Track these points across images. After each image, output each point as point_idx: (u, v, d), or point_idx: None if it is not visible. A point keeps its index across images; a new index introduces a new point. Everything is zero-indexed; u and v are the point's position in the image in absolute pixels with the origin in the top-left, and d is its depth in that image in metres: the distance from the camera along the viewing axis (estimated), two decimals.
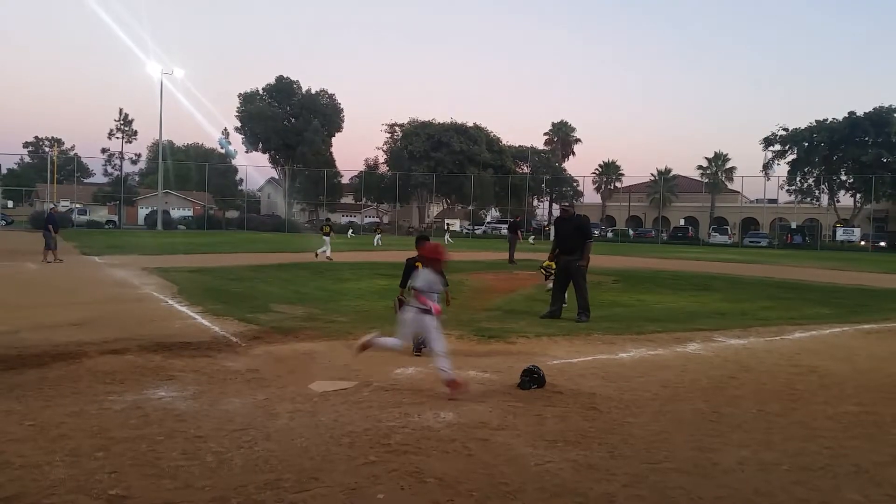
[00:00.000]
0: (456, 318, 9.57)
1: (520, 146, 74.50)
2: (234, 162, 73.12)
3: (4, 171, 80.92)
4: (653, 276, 18.36)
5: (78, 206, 57.22)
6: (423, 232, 7.92)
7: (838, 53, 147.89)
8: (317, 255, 20.88)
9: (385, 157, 68.79)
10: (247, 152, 67.44)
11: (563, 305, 9.98)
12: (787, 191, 62.11)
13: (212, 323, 8.81)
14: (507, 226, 25.86)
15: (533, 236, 47.84)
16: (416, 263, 6.53)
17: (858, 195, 58.39)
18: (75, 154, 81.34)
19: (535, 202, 77.06)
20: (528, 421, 4.79)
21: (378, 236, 37.50)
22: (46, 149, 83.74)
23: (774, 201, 64.30)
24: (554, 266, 10.51)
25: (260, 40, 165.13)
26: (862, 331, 9.65)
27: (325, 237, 21.13)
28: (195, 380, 5.76)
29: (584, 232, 9.98)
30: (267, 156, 67.51)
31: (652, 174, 69.10)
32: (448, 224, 58.08)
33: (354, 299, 11.65)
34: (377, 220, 74.78)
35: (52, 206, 27.09)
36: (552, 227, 26.48)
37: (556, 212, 75.35)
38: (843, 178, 59.11)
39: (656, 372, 6.54)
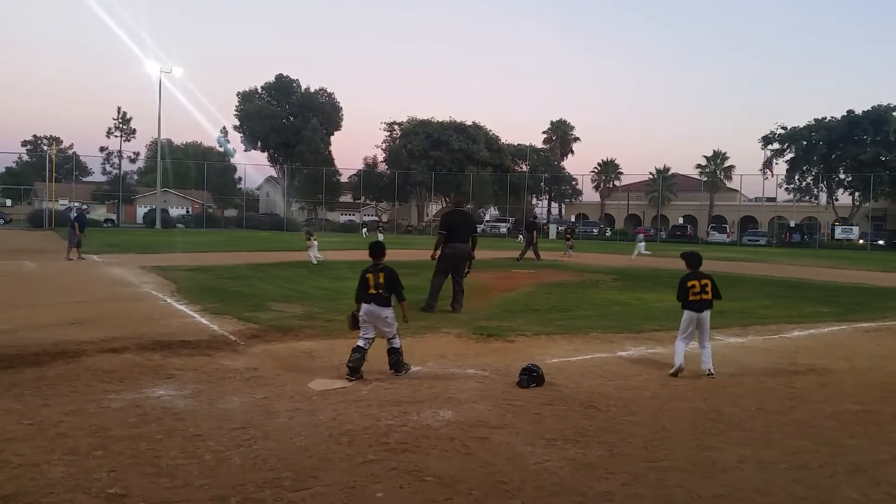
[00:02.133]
0: (455, 317, 9.59)
1: (518, 145, 74.41)
2: (232, 160, 73.17)
3: (3, 169, 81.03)
4: (652, 275, 18.36)
5: (76, 204, 57.15)
6: (379, 241, 7.51)
7: (837, 52, 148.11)
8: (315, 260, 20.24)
9: (384, 155, 68.73)
10: (245, 151, 67.44)
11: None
12: (786, 189, 62.21)
13: (210, 321, 8.81)
14: (524, 225, 26.33)
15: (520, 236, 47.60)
16: (368, 275, 5.96)
17: (857, 193, 58.42)
18: (74, 153, 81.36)
19: (534, 201, 77.05)
20: (527, 419, 4.79)
21: (381, 235, 37.74)
22: (45, 147, 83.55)
23: (773, 200, 64.32)
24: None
25: (259, 39, 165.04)
26: (860, 329, 9.67)
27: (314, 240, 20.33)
28: (194, 378, 5.75)
29: (475, 227, 10.67)
30: (266, 154, 67.43)
31: (651, 173, 69.03)
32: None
33: (353, 298, 11.63)
34: (375, 218, 74.75)
35: (82, 206, 27.09)
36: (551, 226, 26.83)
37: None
38: (842, 176, 59.10)
39: (655, 370, 6.55)
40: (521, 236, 27.93)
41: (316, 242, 20.14)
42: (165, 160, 58.73)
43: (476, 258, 10.74)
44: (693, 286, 6.65)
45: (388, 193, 66.39)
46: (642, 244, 27.18)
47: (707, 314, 6.62)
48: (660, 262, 23.95)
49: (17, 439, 4.10)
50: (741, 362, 7.06)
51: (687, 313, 6.65)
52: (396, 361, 6.01)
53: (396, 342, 6.01)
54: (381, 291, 5.88)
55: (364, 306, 5.94)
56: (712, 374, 6.41)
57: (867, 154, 53.60)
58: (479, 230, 11.97)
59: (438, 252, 10.28)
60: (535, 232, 25.02)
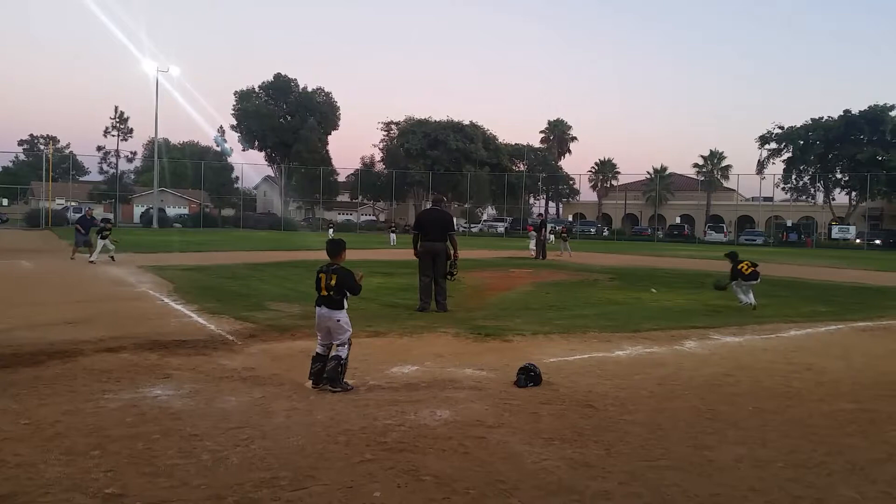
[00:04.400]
0: (452, 316, 9.59)
1: (516, 144, 74.51)
2: (229, 160, 73.11)
3: None
4: (649, 274, 18.39)
5: (74, 204, 57.07)
6: (338, 239, 7.31)
7: (834, 52, 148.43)
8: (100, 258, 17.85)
9: (381, 155, 68.74)
10: (243, 150, 67.39)
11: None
12: (783, 189, 62.35)
13: (208, 321, 8.79)
14: (537, 224, 27.24)
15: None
16: (321, 275, 5.56)
17: (854, 193, 58.57)
18: (71, 152, 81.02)
19: (532, 200, 77.13)
20: (525, 419, 4.79)
21: (393, 235, 35.99)
22: (42, 146, 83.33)
23: (770, 199, 64.46)
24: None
25: (256, 38, 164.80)
26: (857, 328, 9.69)
27: (102, 240, 17.97)
28: (191, 378, 5.74)
29: (450, 225, 10.40)
30: (263, 154, 67.41)
31: (648, 172, 69.15)
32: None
33: (350, 297, 11.62)
34: (373, 218, 74.53)
35: (88, 207, 27.11)
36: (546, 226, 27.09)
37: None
38: (839, 176, 59.27)
39: (652, 370, 6.55)
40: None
41: (102, 242, 17.91)
42: (162, 159, 58.61)
43: (460, 257, 10.45)
44: (742, 267, 11.17)
45: (386, 193, 66.37)
46: (534, 241, 27.78)
47: (754, 281, 11.19)
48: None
49: (13, 439, 4.09)
50: (738, 361, 7.06)
51: (744, 283, 11.17)
52: (333, 370, 5.39)
53: (344, 351, 5.45)
54: (332, 294, 5.49)
55: (316, 309, 5.59)
56: (755, 307, 10.78)
57: (864, 154, 53.75)
58: (457, 229, 11.83)
59: (418, 250, 10.24)
60: (542, 231, 25.37)
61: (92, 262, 17.52)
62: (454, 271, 10.35)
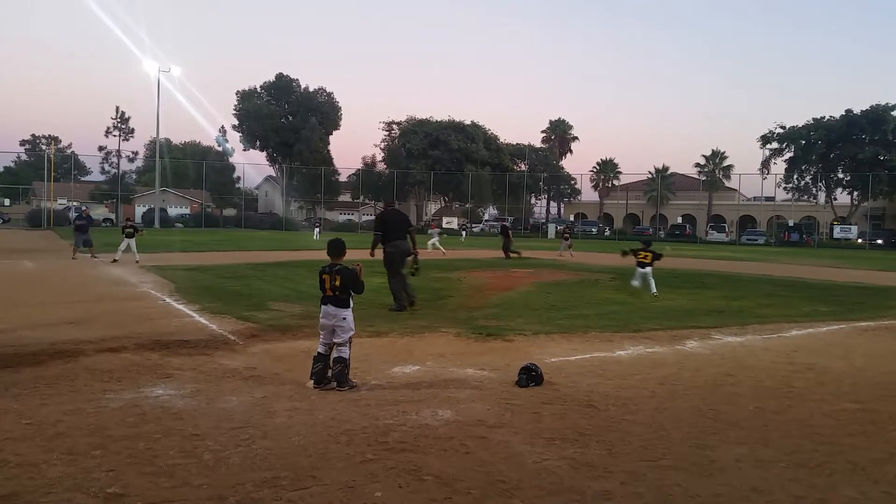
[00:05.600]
0: (454, 316, 9.59)
1: (517, 144, 74.47)
2: (231, 160, 73.11)
3: (1, 168, 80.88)
4: None
5: (75, 203, 57.10)
6: (338, 238, 7.56)
7: (835, 51, 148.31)
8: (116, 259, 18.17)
9: (383, 155, 68.73)
10: (244, 150, 67.34)
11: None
12: (785, 189, 62.28)
13: (209, 321, 8.80)
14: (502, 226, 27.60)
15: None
16: (324, 276, 5.63)
17: (855, 193, 58.48)
18: (72, 152, 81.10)
19: (533, 200, 77.08)
20: (526, 419, 4.79)
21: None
22: (43, 147, 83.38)
23: (772, 199, 64.38)
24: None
25: (257, 38, 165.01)
26: (859, 328, 9.68)
27: (129, 239, 18.56)
28: (193, 378, 5.75)
29: (410, 223, 10.68)
30: (264, 154, 67.36)
31: (649, 172, 69.10)
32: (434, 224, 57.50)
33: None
34: (374, 217, 74.34)
35: (83, 206, 27.00)
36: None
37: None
38: (840, 175, 59.18)
39: (654, 370, 6.55)
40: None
41: (127, 241, 18.46)
42: (164, 159, 58.58)
43: (420, 255, 10.92)
44: (639, 254, 13.18)
45: (387, 193, 66.30)
46: (436, 239, 28.21)
47: (649, 270, 13.10)
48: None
49: (15, 439, 4.09)
50: (740, 361, 7.06)
51: (638, 271, 13.23)
52: (340, 373, 5.48)
53: (346, 352, 5.53)
54: (337, 294, 5.58)
55: (322, 307, 5.66)
56: (656, 295, 12.47)
57: (865, 153, 53.68)
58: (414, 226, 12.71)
59: (377, 251, 10.39)
60: (508, 233, 26.11)
61: (115, 260, 18.10)
62: (418, 266, 10.84)
